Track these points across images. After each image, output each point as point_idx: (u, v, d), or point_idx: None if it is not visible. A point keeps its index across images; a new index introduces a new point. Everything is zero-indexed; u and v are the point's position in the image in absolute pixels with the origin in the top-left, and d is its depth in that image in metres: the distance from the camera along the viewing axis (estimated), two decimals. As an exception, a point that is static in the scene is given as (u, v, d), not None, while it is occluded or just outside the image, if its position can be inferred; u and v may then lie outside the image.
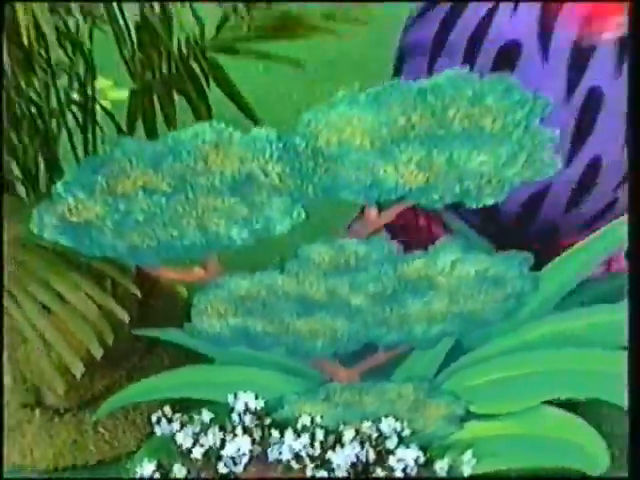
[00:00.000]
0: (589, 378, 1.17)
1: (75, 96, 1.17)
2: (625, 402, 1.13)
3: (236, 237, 0.93)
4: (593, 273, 1.20)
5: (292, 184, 0.87)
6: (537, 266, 1.01)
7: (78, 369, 1.03)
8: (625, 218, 1.08)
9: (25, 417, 1.46)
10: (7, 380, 0.99)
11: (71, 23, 1.08)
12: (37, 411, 1.46)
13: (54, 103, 1.17)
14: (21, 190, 1.22)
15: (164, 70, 1.14)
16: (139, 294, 1.05)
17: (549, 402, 1.18)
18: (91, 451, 1.47)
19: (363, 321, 1.05)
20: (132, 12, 1.03)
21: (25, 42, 0.88)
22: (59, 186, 0.91)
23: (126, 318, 1.04)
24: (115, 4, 1.03)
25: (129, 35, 1.09)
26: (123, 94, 1.21)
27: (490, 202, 0.89)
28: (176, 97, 1.18)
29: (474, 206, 0.89)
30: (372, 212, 0.94)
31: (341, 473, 1.15)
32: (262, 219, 0.91)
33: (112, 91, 1.42)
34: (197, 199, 0.90)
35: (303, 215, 0.91)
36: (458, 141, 0.82)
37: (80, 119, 1.17)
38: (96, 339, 1.02)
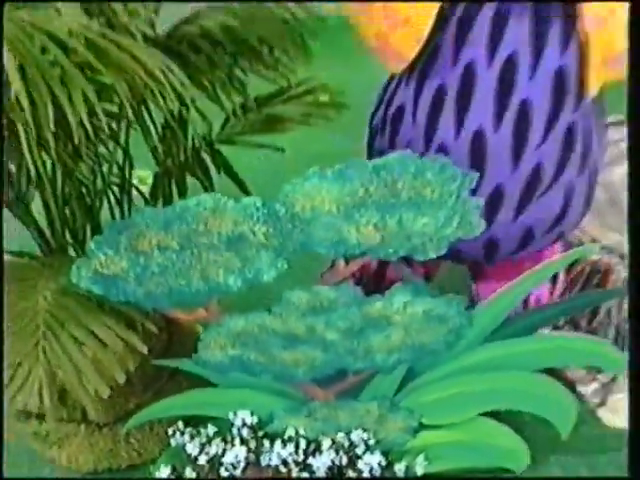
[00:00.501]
0: (513, 395, 1.08)
1: (115, 179, 1.09)
2: (544, 414, 1.06)
3: (232, 285, 0.85)
4: (516, 309, 1.11)
5: (276, 242, 0.80)
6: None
7: (105, 392, 0.91)
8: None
9: (72, 430, 1.32)
10: (47, 401, 0.86)
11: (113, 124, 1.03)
12: (82, 425, 1.32)
13: (99, 185, 1.10)
14: (72, 252, 1.13)
15: (181, 158, 1.08)
16: (155, 330, 0.94)
17: (484, 414, 1.10)
18: (123, 457, 1.33)
19: (336, 352, 0.97)
20: (158, 115, 0.98)
21: (75, 139, 0.80)
22: (92, 245, 0.83)
23: (145, 350, 0.92)
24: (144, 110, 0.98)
25: (156, 132, 1.04)
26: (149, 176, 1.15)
27: (433, 256, 0.81)
28: (189, 179, 1.11)
29: (421, 259, 0.81)
30: (340, 264, 0.86)
31: (320, 475, 1.06)
32: (253, 270, 0.83)
33: (146, 178, 1.35)
34: (200, 254, 0.82)
35: (286, 266, 0.83)
36: (405, 207, 0.76)
37: (118, 196, 1.10)
38: (120, 368, 0.91)
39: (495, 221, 0.94)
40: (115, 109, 0.98)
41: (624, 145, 1.77)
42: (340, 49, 1.94)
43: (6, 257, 0.96)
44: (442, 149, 0.91)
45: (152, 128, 1.01)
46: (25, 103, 0.67)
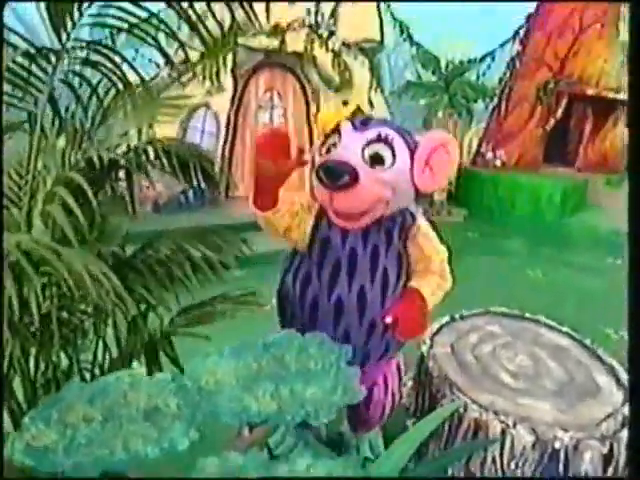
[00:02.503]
0: None
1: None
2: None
3: (150, 453, 0.92)
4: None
5: (187, 412, 0.90)
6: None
7: None
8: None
9: None
10: None
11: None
12: None
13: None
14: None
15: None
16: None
17: None
18: None
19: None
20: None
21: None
22: (26, 420, 0.92)
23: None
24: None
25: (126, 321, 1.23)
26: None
27: (326, 420, 0.91)
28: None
29: (315, 424, 0.92)
30: (245, 431, 0.95)
31: None
32: (167, 440, 0.91)
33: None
34: (122, 425, 0.91)
35: (197, 435, 0.91)
36: (295, 378, 0.89)
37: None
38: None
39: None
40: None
41: (489, 328, 2.15)
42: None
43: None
44: (339, 300, 1.36)
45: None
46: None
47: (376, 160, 1.26)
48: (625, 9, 6.80)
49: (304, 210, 1.43)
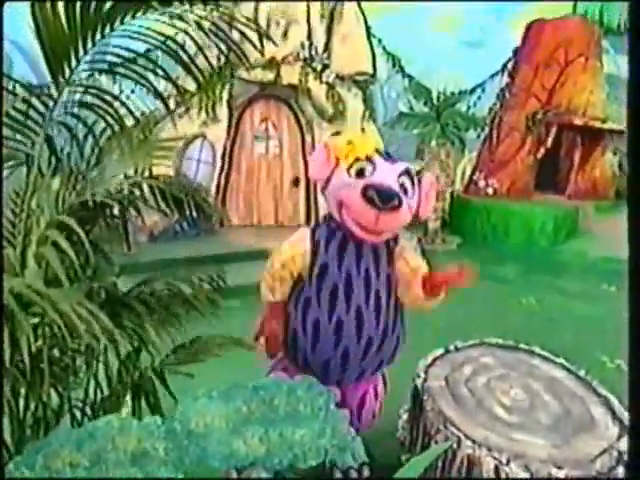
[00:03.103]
0: None
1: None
2: None
3: (137, 500, 0.90)
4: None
5: (174, 456, 0.89)
6: None
7: None
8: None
9: None
10: None
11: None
12: None
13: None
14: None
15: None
16: None
17: None
18: None
19: None
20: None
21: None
22: (11, 465, 0.91)
23: None
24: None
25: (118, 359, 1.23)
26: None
27: (314, 463, 0.91)
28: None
29: (304, 467, 0.91)
30: (233, 475, 0.94)
31: None
32: (154, 484, 0.90)
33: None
34: (108, 471, 0.90)
35: (184, 480, 0.90)
36: (284, 421, 0.88)
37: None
38: None
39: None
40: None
41: (483, 360, 2.11)
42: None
43: None
44: (339, 321, 1.53)
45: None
46: None
47: (404, 190, 1.49)
48: (607, 43, 7.06)
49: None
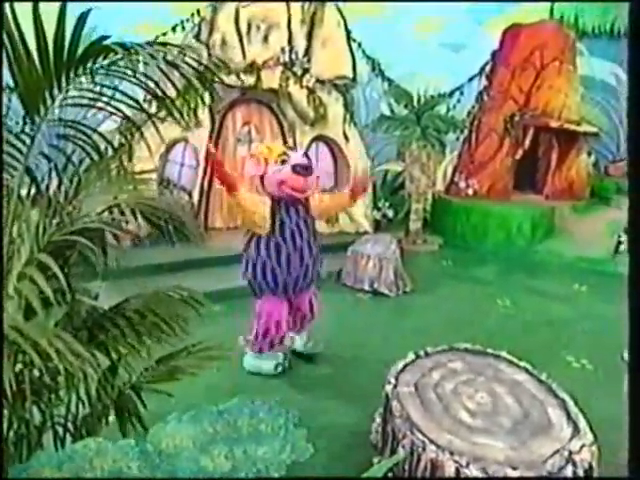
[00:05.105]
0: None
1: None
2: None
3: (114, 514, 0.99)
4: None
5: (147, 473, 0.97)
6: None
7: None
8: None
9: None
10: None
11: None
12: None
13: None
14: None
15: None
16: None
17: None
18: None
19: None
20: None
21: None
22: (-4, 485, 0.99)
23: None
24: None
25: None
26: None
27: (277, 475, 1.00)
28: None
29: (267, 480, 1.00)
30: (202, 489, 1.03)
31: None
32: (129, 500, 0.98)
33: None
34: (87, 488, 0.98)
35: (158, 495, 0.99)
36: (247, 440, 0.97)
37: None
38: None
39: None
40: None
41: (452, 365, 2.26)
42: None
43: None
44: (301, 250, 2.71)
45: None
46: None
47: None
48: (582, 46, 7.23)
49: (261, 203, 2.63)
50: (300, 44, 5.46)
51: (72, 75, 1.22)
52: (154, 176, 4.89)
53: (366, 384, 2.64)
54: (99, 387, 1.32)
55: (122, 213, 1.41)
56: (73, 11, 1.10)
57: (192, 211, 5.35)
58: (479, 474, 1.58)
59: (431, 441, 1.72)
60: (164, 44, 1.27)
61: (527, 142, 6.29)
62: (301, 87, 5.41)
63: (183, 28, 6.06)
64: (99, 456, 0.96)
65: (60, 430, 1.37)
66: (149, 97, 1.40)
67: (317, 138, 5.68)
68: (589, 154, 6.91)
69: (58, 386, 1.37)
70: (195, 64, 1.35)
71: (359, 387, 2.76)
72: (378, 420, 2.25)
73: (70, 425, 1.40)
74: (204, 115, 5.32)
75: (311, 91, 5.44)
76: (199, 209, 5.51)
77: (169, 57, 1.21)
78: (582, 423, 1.82)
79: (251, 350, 2.90)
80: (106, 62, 1.24)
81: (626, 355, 3.25)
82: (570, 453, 1.66)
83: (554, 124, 6.12)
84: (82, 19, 1.04)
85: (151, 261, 4.47)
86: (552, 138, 6.48)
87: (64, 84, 1.22)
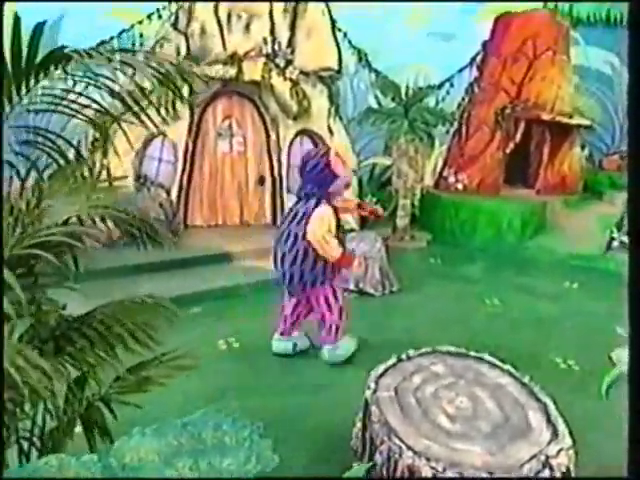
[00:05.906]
0: None
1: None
2: None
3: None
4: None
5: (112, 487, 1.01)
6: None
7: None
8: None
9: None
10: None
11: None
12: None
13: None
14: None
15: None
16: None
17: None
18: None
19: None
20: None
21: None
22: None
23: None
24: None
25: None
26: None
27: (245, 486, 1.04)
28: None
29: (233, 490, 1.04)
30: (168, 502, 1.07)
31: None
32: (95, 514, 1.02)
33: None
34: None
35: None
36: (212, 452, 1.02)
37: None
38: None
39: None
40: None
41: (434, 369, 2.30)
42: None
43: None
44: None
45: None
46: None
47: None
48: (577, 34, 7.32)
49: None
50: (283, 34, 5.47)
51: (32, 81, 1.24)
52: (129, 180, 4.88)
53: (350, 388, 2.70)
54: (67, 400, 1.36)
55: (93, 221, 1.44)
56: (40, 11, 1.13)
57: (171, 208, 5.35)
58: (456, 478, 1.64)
59: (408, 447, 1.77)
60: (132, 51, 1.30)
61: (518, 135, 6.38)
62: (284, 79, 5.43)
63: (160, 16, 6.04)
64: (61, 472, 0.99)
65: (25, 445, 1.40)
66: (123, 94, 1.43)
67: (301, 132, 5.70)
68: (583, 147, 7.02)
69: (23, 399, 1.40)
70: (163, 70, 1.38)
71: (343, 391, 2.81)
72: (359, 425, 2.30)
73: (36, 439, 1.43)
74: (183, 108, 5.32)
75: (295, 83, 5.46)
76: (178, 206, 5.51)
77: (131, 62, 1.24)
78: (561, 427, 1.89)
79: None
80: (68, 67, 1.26)
81: (614, 355, 3.34)
82: (547, 457, 1.72)
83: (546, 117, 6.21)
84: (38, 29, 1.06)
85: (127, 262, 4.47)
86: (544, 131, 6.57)
87: (23, 90, 1.24)
